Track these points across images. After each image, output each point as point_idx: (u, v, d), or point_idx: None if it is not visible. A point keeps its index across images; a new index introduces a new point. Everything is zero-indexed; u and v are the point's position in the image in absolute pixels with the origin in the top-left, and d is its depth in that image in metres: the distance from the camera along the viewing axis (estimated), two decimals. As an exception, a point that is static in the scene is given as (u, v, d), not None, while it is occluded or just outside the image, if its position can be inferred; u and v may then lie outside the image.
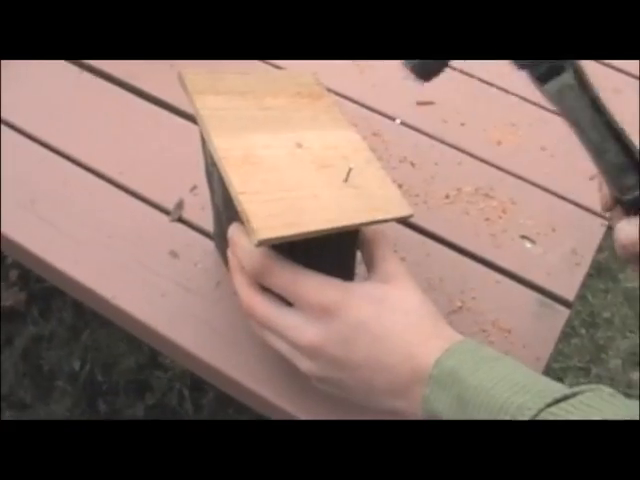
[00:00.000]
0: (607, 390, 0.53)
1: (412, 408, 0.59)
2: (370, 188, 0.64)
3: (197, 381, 1.62)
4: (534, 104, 0.97)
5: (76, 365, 1.70)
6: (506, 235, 0.84)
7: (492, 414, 0.53)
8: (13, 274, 1.80)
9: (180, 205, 0.84)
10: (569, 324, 1.85)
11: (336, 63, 0.99)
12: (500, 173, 0.89)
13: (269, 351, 0.65)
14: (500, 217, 0.85)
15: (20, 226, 0.81)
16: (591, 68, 0.97)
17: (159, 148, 0.88)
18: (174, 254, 0.79)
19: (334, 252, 0.64)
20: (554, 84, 0.62)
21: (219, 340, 0.74)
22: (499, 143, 0.92)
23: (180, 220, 0.83)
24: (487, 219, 0.85)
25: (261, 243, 0.55)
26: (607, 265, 1.97)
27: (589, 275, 1.94)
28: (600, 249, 1.91)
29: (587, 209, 0.86)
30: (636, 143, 0.62)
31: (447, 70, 0.95)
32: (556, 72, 0.62)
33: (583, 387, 0.53)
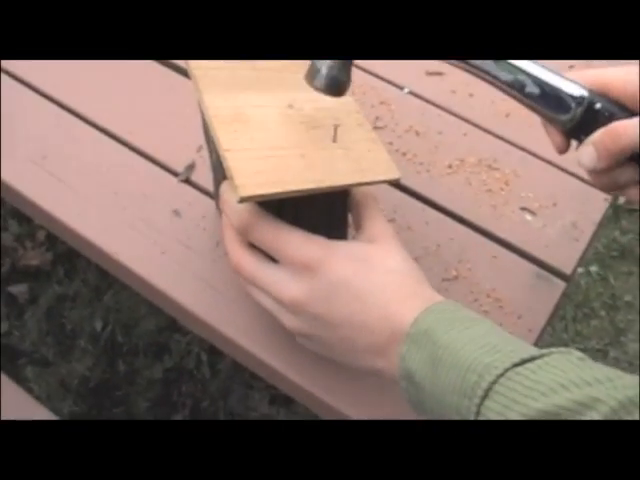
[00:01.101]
0: (577, 354, 0.54)
1: (391, 368, 0.60)
2: (359, 150, 0.65)
3: (215, 346, 1.65)
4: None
5: (98, 325, 1.74)
6: (507, 207, 0.84)
7: (460, 373, 0.54)
8: (40, 234, 1.84)
9: (191, 167, 0.85)
10: (587, 305, 1.85)
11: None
12: (505, 145, 0.89)
13: (263, 309, 0.66)
14: (502, 189, 0.85)
15: (30, 181, 0.83)
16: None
17: (169, 110, 0.90)
18: (177, 213, 0.81)
19: (324, 213, 0.65)
20: None
21: (216, 297, 0.76)
22: (507, 115, 0.92)
23: (187, 181, 0.84)
24: (489, 190, 0.85)
25: (244, 200, 0.57)
26: (631, 248, 1.96)
27: (612, 257, 1.94)
28: (624, 232, 1.90)
29: (590, 184, 0.86)
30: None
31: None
32: None
33: (553, 349, 0.54)
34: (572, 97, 0.62)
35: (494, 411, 0.52)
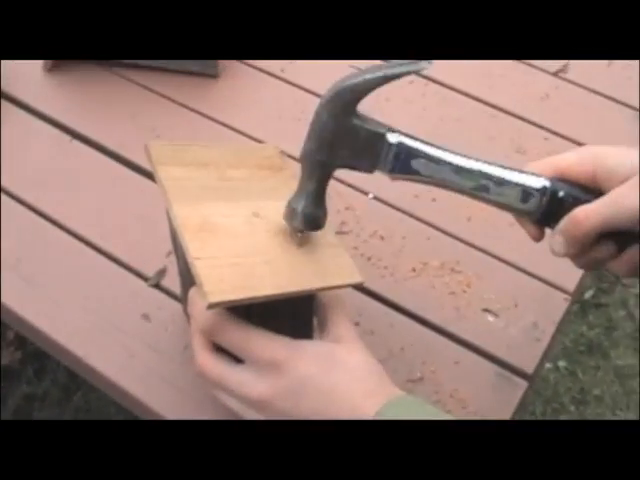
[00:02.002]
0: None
1: None
2: (323, 255, 0.67)
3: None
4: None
5: (67, 426, 1.72)
6: (469, 309, 0.86)
7: None
8: (10, 333, 1.83)
9: (162, 272, 0.87)
10: (557, 400, 1.86)
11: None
12: (467, 248, 0.92)
13: (229, 411, 0.67)
14: (465, 291, 0.87)
15: (3, 283, 0.85)
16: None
17: (139, 214, 0.92)
18: (146, 317, 0.82)
19: (290, 315, 0.67)
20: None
21: (184, 400, 0.77)
22: (469, 219, 0.95)
23: (157, 286, 0.86)
24: (452, 292, 0.87)
25: (211, 306, 0.59)
26: (598, 342, 1.98)
27: (579, 352, 1.95)
28: (591, 326, 1.92)
29: (550, 284, 0.89)
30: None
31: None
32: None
33: None
34: (535, 190, 0.65)
35: None
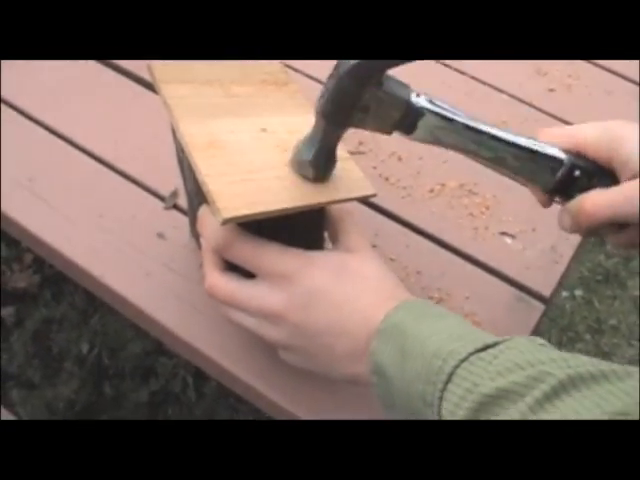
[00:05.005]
0: (539, 340, 0.55)
1: (367, 371, 0.61)
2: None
3: (201, 369, 1.65)
4: (526, 103, 0.99)
5: (84, 348, 1.74)
6: (487, 231, 0.85)
7: (426, 361, 0.55)
8: (28, 257, 1.84)
9: (175, 194, 0.86)
10: (572, 329, 1.86)
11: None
12: (485, 170, 0.91)
13: (244, 330, 0.67)
14: (482, 213, 0.87)
15: (17, 203, 0.84)
16: (583, 68, 0.99)
17: (155, 134, 0.91)
18: (161, 236, 0.82)
19: (301, 231, 0.66)
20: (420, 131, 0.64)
21: (200, 320, 0.76)
22: (488, 141, 0.93)
23: (173, 206, 0.85)
24: (470, 214, 0.86)
25: (226, 221, 0.58)
26: (615, 272, 1.98)
27: (597, 281, 1.95)
28: (609, 256, 1.92)
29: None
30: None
31: (440, 68, 0.98)
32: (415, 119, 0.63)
33: (516, 336, 0.55)
34: (551, 163, 0.64)
35: (456, 394, 0.53)
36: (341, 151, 0.68)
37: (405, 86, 0.63)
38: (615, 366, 0.49)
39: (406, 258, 0.82)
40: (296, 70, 1.00)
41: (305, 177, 0.64)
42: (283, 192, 0.62)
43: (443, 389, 0.54)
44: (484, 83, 1.00)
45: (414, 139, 0.64)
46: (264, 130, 0.67)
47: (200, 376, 1.69)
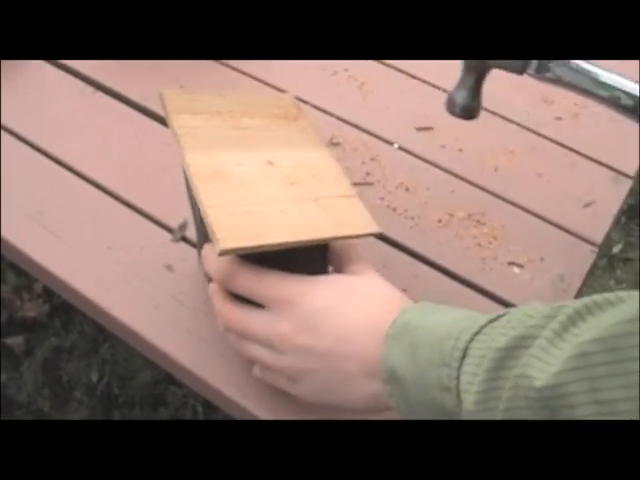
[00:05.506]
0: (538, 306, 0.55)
1: (382, 383, 0.59)
2: (337, 205, 0.66)
3: (210, 397, 1.65)
4: (532, 132, 0.99)
5: (94, 377, 1.74)
6: (496, 261, 0.85)
7: (437, 345, 0.54)
8: (37, 286, 1.85)
9: (183, 226, 0.86)
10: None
11: (341, 88, 1.02)
12: (493, 199, 0.91)
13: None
14: (490, 243, 0.86)
15: (26, 235, 0.84)
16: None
17: (163, 165, 0.92)
18: (169, 268, 0.82)
19: (304, 265, 0.66)
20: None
21: (208, 352, 0.76)
22: (496, 169, 0.94)
23: (182, 238, 0.86)
24: (478, 244, 0.86)
25: (223, 252, 0.58)
26: (626, 297, 1.96)
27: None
28: (619, 281, 1.90)
29: (577, 235, 0.88)
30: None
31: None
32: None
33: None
34: None
35: (473, 364, 0.52)
36: (346, 187, 0.68)
37: None
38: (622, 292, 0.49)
39: (414, 289, 0.81)
40: (305, 102, 1.01)
41: (456, 116, 0.78)
42: (284, 226, 0.62)
43: (459, 366, 0.53)
44: (492, 113, 1.00)
45: (540, 79, 0.73)
46: (271, 163, 0.67)
47: (210, 405, 1.68)
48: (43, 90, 1.01)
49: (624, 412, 0.44)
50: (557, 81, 0.72)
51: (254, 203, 0.63)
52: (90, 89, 1.01)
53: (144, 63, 1.04)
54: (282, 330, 0.62)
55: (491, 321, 0.54)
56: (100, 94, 1.01)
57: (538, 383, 0.47)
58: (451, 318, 0.57)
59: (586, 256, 0.86)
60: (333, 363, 0.61)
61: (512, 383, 0.49)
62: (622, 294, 0.48)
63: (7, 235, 0.85)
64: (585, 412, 0.45)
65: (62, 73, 1.03)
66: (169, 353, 0.77)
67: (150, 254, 0.83)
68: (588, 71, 0.70)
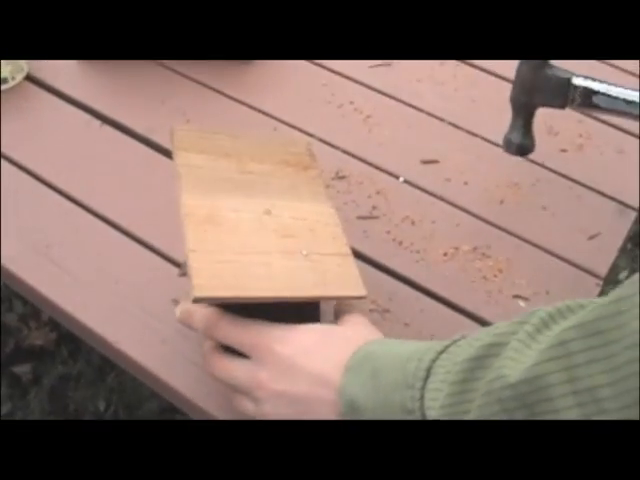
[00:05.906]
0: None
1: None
2: (328, 263, 0.65)
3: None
4: (537, 164, 1.00)
5: (101, 406, 1.74)
6: (501, 294, 0.85)
7: (400, 368, 0.54)
8: (45, 314, 1.85)
9: (188, 262, 0.87)
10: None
11: (346, 121, 1.03)
12: (499, 232, 0.91)
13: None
14: (496, 276, 0.87)
15: (34, 269, 0.85)
16: (594, 128, 0.99)
17: (170, 200, 0.91)
18: (176, 302, 0.82)
19: (292, 318, 0.64)
20: None
21: (215, 386, 0.76)
22: (501, 202, 0.94)
23: (186, 274, 0.86)
24: (483, 277, 0.86)
25: (197, 300, 0.58)
26: None
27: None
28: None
29: (582, 268, 0.88)
30: None
31: (452, 130, 0.99)
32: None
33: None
34: None
35: (437, 381, 0.52)
36: (341, 246, 0.67)
37: (567, 71, 0.83)
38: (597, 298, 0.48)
39: (420, 323, 0.82)
40: (311, 135, 1.01)
41: (514, 155, 0.88)
42: (265, 280, 0.61)
43: (423, 386, 0.52)
44: (496, 145, 1.01)
45: (581, 111, 0.89)
46: (268, 212, 0.66)
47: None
48: (49, 124, 1.02)
49: (605, 399, 0.42)
50: (598, 109, 0.81)
51: (240, 252, 0.62)
52: (97, 122, 1.02)
53: (150, 95, 1.05)
54: (261, 378, 0.62)
55: (456, 341, 0.54)
56: (107, 127, 1.02)
57: (512, 379, 0.46)
58: (416, 345, 0.57)
59: (591, 289, 0.86)
60: (308, 407, 0.61)
61: (484, 390, 0.48)
62: (597, 299, 0.48)
63: (14, 268, 0.85)
64: (564, 404, 0.44)
65: (69, 106, 1.04)
66: (175, 387, 0.77)
67: (157, 288, 0.84)
68: (621, 94, 0.79)
